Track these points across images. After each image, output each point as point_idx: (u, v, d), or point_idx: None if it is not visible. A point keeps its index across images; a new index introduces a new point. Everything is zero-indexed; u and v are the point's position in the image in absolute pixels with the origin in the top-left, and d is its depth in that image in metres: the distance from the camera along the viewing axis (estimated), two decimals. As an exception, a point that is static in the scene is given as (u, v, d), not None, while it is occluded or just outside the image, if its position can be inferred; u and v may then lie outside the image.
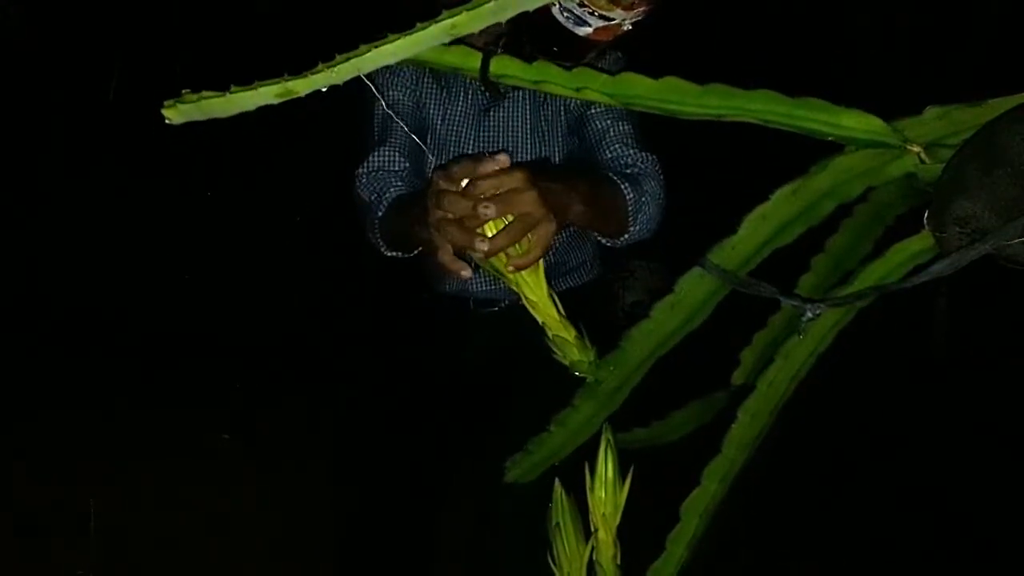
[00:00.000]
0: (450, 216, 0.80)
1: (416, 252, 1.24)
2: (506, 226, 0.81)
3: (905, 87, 3.53)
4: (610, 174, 1.25)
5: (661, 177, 1.32)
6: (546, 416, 1.39)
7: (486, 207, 0.79)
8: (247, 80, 0.58)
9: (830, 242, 0.74)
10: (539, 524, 0.89)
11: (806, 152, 0.71)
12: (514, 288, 0.83)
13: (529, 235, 0.82)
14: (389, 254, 1.27)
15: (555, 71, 0.66)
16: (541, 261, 0.83)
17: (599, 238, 1.22)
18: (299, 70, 0.58)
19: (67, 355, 3.19)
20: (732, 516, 0.81)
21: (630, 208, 1.22)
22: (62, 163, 4.37)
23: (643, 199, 1.24)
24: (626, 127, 1.39)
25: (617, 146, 1.37)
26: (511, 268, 0.81)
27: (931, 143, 0.67)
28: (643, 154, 1.35)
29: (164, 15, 4.45)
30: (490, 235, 0.80)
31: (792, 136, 0.68)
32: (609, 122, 1.39)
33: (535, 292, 0.82)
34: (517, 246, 0.82)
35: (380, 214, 1.27)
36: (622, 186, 1.23)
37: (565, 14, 1.05)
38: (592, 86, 0.65)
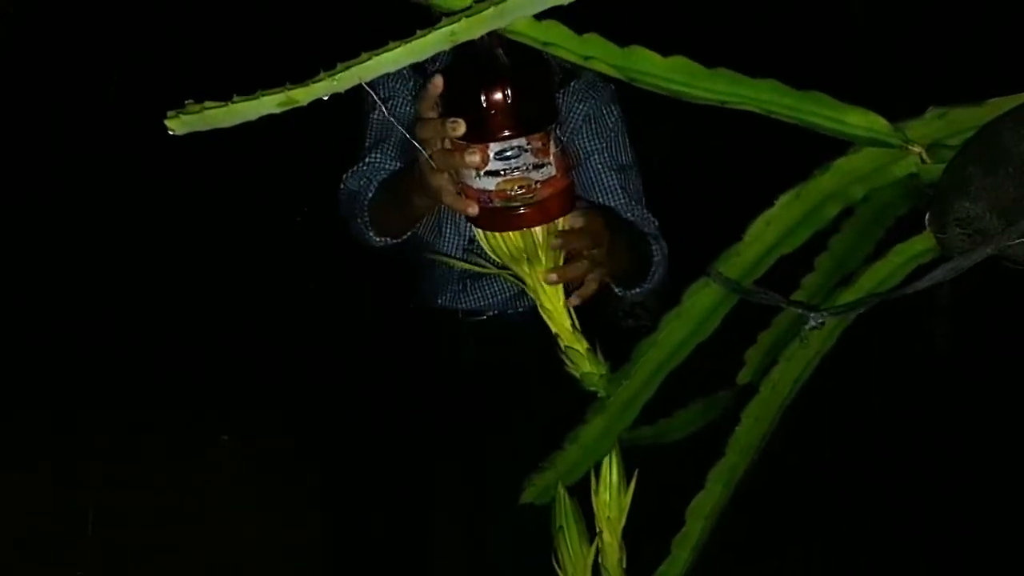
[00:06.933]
0: (439, 147, 0.80)
1: (405, 237, 1.24)
2: (575, 262, 0.86)
3: (904, 87, 3.53)
4: (646, 232, 1.33)
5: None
6: (534, 419, 1.40)
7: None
8: (245, 78, 0.58)
9: (832, 242, 0.74)
10: (531, 526, 0.90)
11: (800, 164, 0.71)
12: (531, 295, 0.84)
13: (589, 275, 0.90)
14: (378, 241, 1.27)
15: (566, 33, 0.64)
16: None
17: (614, 286, 1.24)
18: (294, 65, 0.59)
19: (67, 355, 3.19)
20: (736, 518, 0.81)
21: (653, 268, 1.29)
22: (62, 163, 4.37)
23: (663, 258, 1.32)
24: (635, 183, 1.45)
25: (624, 201, 1.41)
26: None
27: (932, 144, 0.67)
28: (649, 215, 1.42)
29: (164, 16, 4.44)
30: (554, 265, 0.83)
31: (786, 149, 0.68)
32: (614, 176, 1.43)
33: (552, 301, 0.83)
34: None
35: (371, 195, 1.28)
36: (653, 246, 1.31)
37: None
38: (600, 56, 0.63)
